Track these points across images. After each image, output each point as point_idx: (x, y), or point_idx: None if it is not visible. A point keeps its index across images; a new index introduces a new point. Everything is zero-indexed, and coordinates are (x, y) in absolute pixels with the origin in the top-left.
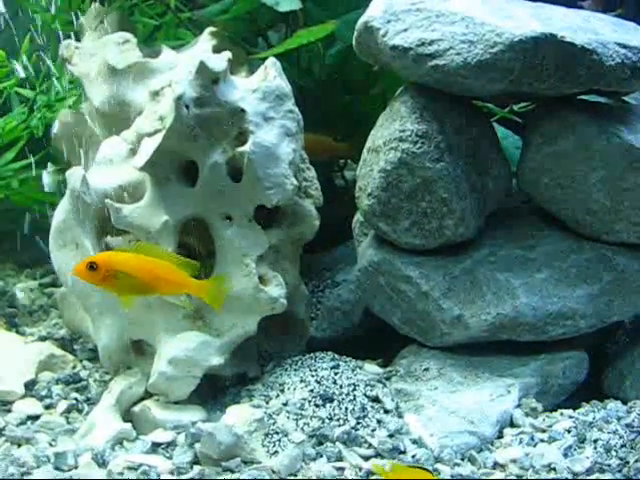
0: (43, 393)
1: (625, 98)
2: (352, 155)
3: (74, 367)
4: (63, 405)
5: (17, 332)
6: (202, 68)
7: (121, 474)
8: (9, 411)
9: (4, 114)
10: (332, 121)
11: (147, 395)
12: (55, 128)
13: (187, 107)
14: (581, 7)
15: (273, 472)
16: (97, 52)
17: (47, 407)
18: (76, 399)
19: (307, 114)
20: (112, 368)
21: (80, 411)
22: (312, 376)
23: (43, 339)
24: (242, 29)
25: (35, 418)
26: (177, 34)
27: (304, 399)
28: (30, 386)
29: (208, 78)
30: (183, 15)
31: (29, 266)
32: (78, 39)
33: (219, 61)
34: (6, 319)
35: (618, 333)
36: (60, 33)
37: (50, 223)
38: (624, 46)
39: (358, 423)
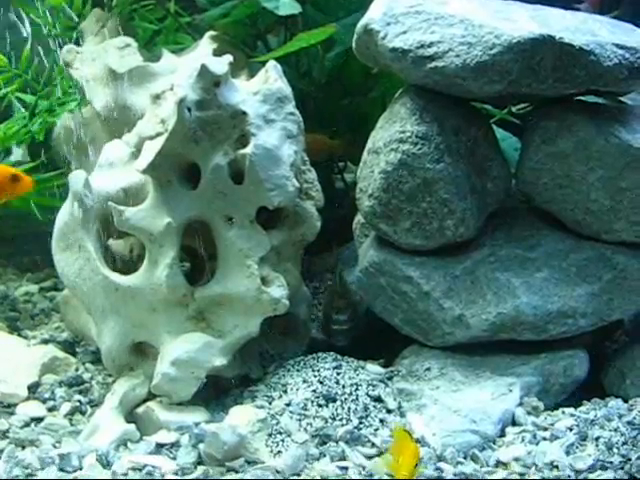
0: (46, 395)
1: (622, 98)
2: (346, 151)
3: (77, 370)
4: (66, 407)
5: (19, 335)
6: (204, 71)
7: (125, 475)
8: (12, 413)
9: (5, 119)
10: (332, 123)
11: (150, 397)
12: (56, 132)
13: (189, 110)
14: (578, 9)
15: (277, 472)
16: (98, 56)
17: (50, 409)
18: (79, 401)
19: (307, 117)
20: (115, 370)
21: (83, 413)
22: (315, 376)
23: (45, 342)
24: (242, 33)
25: (39, 420)
26: (176, 38)
27: (307, 399)
28: (33, 388)
29: (210, 81)
30: (183, 19)
31: (30, 270)
32: (79, 44)
33: (220, 64)
34: (8, 323)
35: (618, 332)
36: (60, 38)
37: (51, 227)
38: (621, 47)
39: (361, 423)
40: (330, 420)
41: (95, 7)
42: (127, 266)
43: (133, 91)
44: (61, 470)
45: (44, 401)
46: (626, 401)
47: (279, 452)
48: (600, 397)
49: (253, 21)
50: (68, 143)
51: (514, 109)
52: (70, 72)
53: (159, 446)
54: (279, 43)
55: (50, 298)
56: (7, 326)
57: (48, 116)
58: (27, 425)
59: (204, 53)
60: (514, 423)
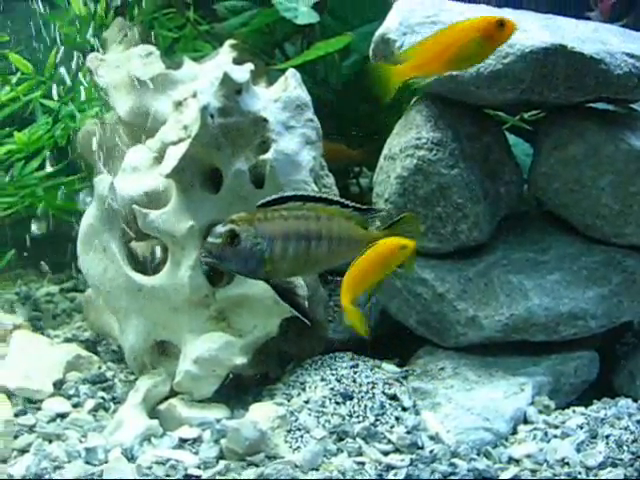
0: (71, 392)
1: (633, 105)
2: (365, 161)
3: (99, 368)
4: (90, 403)
5: (42, 335)
6: (226, 79)
7: (150, 468)
8: (39, 409)
9: (28, 124)
10: (348, 129)
11: (172, 394)
12: (79, 137)
13: (212, 116)
14: (588, 18)
15: (296, 467)
16: (122, 64)
17: (75, 405)
18: (103, 398)
19: (324, 123)
20: (137, 368)
21: (107, 409)
22: (332, 375)
23: (69, 341)
24: (261, 41)
25: (64, 416)
26: (195, 46)
27: (325, 397)
28: (58, 385)
29: (232, 89)
30: (201, 27)
31: (51, 271)
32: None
33: (242, 72)
34: (31, 322)
35: (627, 334)
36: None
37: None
38: (632, 55)
39: (377, 420)
40: (347, 417)
41: (118, 16)
42: (148, 267)
43: (156, 98)
44: (87, 463)
45: (69, 397)
46: (636, 401)
47: (298, 448)
48: (610, 397)
49: (271, 30)
50: (92, 148)
51: (526, 116)
52: (94, 79)
53: (182, 441)
54: (296, 51)
55: (71, 299)
56: (30, 325)
57: (70, 121)
58: (53, 420)
59: (224, 61)
60: (526, 421)
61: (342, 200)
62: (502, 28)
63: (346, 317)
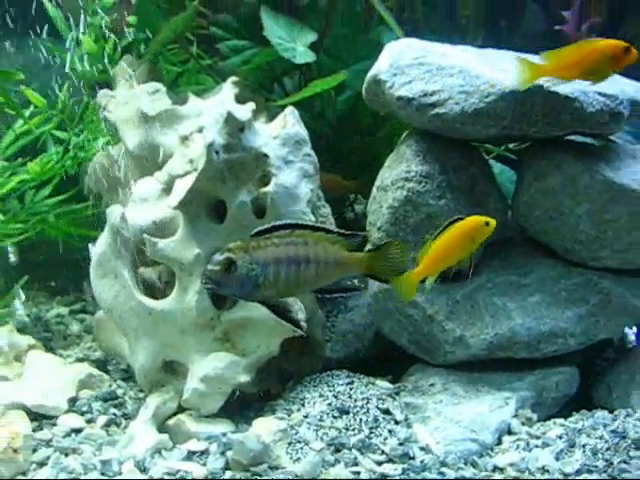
0: (84, 409)
1: (612, 137)
2: (359, 191)
3: (110, 386)
4: (103, 419)
5: (54, 355)
6: (230, 118)
7: (161, 479)
8: (54, 425)
9: (38, 154)
10: (343, 161)
11: (180, 410)
12: (89, 168)
13: (217, 153)
14: None
15: (296, 476)
16: (130, 100)
17: (88, 421)
18: (114, 414)
19: (319, 154)
20: (147, 386)
21: (118, 425)
22: (330, 391)
23: (80, 361)
24: (260, 77)
25: (79, 431)
26: (198, 79)
27: (323, 412)
28: (72, 402)
29: (235, 127)
30: (204, 62)
31: (60, 294)
32: (109, 86)
33: (244, 111)
34: (42, 343)
35: (608, 350)
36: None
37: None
38: (603, 95)
39: (371, 432)
40: (344, 430)
41: (126, 54)
42: (156, 291)
43: (162, 132)
44: (102, 475)
45: (82, 414)
46: (612, 412)
47: (298, 459)
48: (589, 409)
49: (271, 66)
50: (101, 179)
51: (511, 146)
52: (104, 114)
53: (190, 453)
54: (294, 85)
55: (80, 320)
56: (42, 346)
57: (79, 152)
58: (68, 435)
59: (227, 97)
60: (510, 432)
61: (327, 227)
62: (627, 53)
63: (403, 286)
